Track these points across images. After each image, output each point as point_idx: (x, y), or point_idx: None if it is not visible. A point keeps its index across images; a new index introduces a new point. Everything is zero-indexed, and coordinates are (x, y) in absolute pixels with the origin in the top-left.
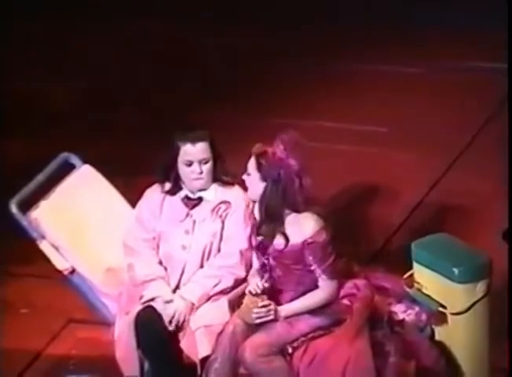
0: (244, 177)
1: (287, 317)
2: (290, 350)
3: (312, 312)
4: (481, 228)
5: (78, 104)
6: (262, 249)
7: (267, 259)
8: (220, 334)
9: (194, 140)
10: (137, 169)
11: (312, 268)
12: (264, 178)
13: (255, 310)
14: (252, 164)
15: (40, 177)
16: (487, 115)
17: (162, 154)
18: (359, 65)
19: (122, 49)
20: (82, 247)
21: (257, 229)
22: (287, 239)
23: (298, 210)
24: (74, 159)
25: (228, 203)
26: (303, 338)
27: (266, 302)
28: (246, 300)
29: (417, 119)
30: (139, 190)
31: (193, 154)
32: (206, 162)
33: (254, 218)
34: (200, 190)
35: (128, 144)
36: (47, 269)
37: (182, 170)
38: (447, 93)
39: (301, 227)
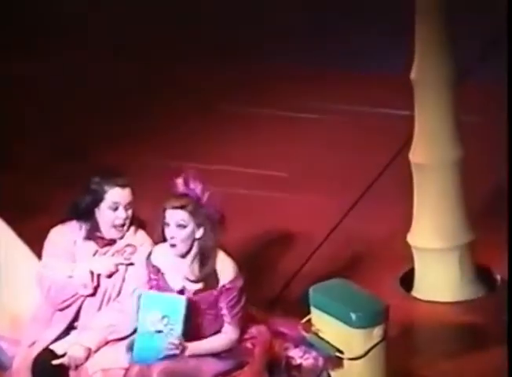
0: (173, 233)
1: (190, 356)
2: None
3: (216, 355)
4: (379, 274)
5: None
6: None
7: None
8: (125, 375)
9: (123, 185)
10: (35, 208)
11: (222, 312)
12: (201, 224)
13: (166, 343)
14: (181, 216)
15: None
16: (388, 159)
17: (63, 193)
18: (258, 110)
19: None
20: None
21: (198, 275)
22: (217, 279)
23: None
24: None
25: (134, 246)
26: None
27: (177, 341)
28: None
29: (316, 164)
30: (36, 230)
31: (122, 198)
32: (129, 208)
33: (153, 266)
34: None
35: (23, 181)
36: None
37: (105, 214)
38: (346, 138)
39: (222, 270)
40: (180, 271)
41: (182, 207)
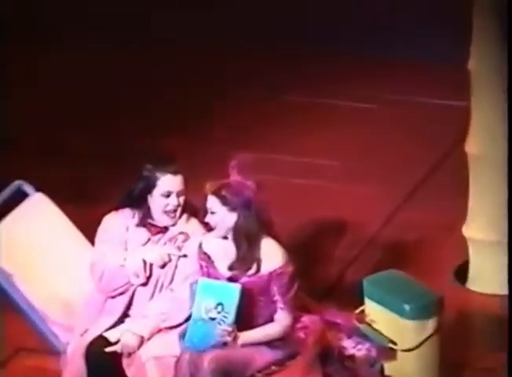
0: (208, 218)
1: (243, 345)
2: None
3: (268, 344)
4: (434, 265)
5: (30, 127)
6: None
7: None
8: (177, 363)
9: (175, 172)
10: (90, 196)
11: (275, 298)
12: (233, 209)
13: (219, 329)
14: (214, 202)
15: None
16: (443, 150)
17: (119, 181)
18: (312, 99)
19: (73, 71)
20: (34, 276)
21: (236, 261)
22: (259, 266)
23: (269, 232)
24: (27, 187)
25: (186, 234)
26: (259, 375)
27: (229, 329)
28: None
29: (370, 154)
30: (92, 218)
31: (174, 185)
32: (181, 195)
33: (204, 253)
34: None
35: (81, 170)
36: None
37: (157, 201)
38: (401, 128)
39: (271, 256)
40: (228, 257)
41: (213, 193)
